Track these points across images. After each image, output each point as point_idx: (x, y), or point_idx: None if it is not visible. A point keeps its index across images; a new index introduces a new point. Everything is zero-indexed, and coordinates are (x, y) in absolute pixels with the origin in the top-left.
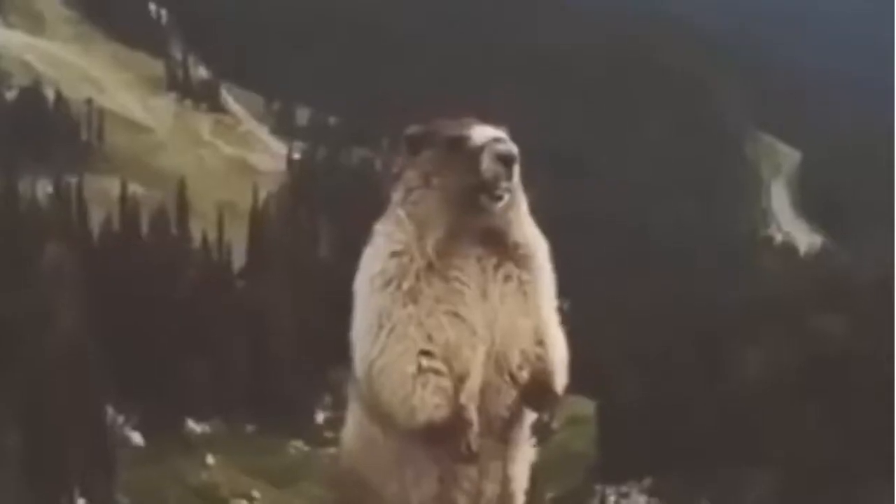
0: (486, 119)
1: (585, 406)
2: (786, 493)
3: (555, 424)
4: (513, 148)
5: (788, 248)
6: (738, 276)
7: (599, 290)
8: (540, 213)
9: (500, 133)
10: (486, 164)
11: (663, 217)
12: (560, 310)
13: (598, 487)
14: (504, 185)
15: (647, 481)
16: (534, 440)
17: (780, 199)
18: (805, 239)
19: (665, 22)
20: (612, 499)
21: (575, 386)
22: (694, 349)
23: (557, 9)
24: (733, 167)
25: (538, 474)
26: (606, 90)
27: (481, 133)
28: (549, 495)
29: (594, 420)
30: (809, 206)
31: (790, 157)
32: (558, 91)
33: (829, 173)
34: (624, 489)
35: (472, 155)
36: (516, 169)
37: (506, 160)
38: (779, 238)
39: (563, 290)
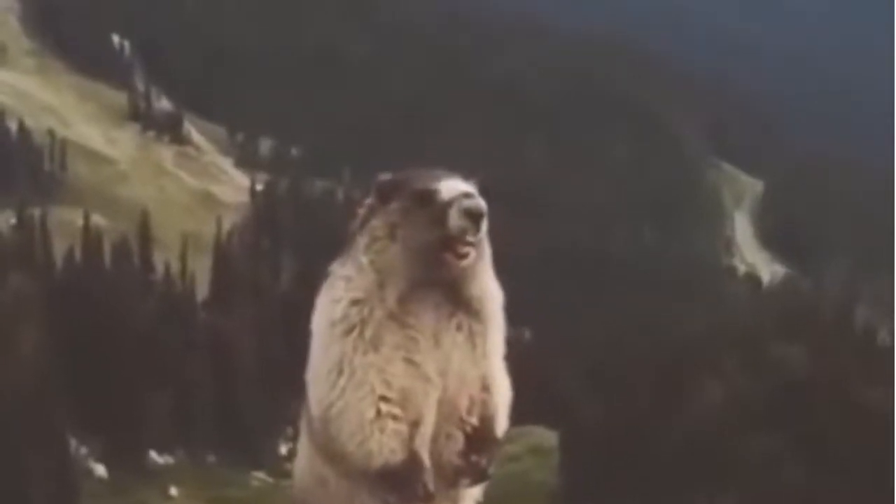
0: (457, 153)
1: (547, 436)
2: None
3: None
4: (481, 203)
5: (752, 279)
6: (701, 305)
7: (561, 320)
8: (501, 244)
9: (469, 188)
10: (454, 219)
11: (626, 247)
12: (520, 339)
13: None
14: (470, 240)
15: None
16: (467, 482)
17: (743, 229)
18: (768, 269)
19: (625, 52)
20: None
21: (536, 415)
22: (656, 378)
23: (518, 41)
24: (696, 197)
25: None
26: (567, 120)
27: (450, 187)
28: None
29: (556, 450)
30: (772, 236)
31: (752, 186)
32: (519, 121)
33: (792, 203)
34: None
35: (440, 209)
36: (484, 224)
37: (474, 216)
38: (742, 268)
39: (525, 320)
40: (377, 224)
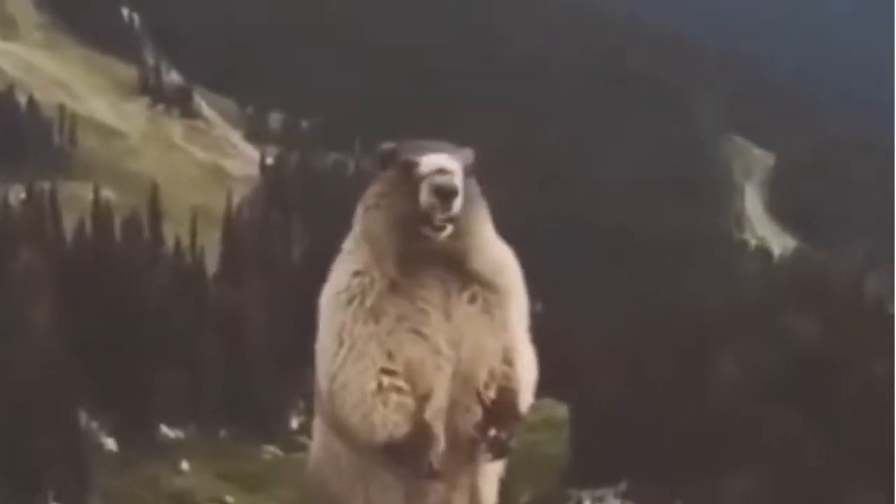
0: (462, 133)
1: (559, 409)
2: (763, 497)
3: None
4: (452, 181)
5: (763, 252)
6: (713, 279)
7: (574, 293)
8: (516, 217)
9: (446, 163)
10: (424, 195)
11: (638, 220)
12: (533, 312)
13: (572, 492)
14: (440, 217)
15: (623, 485)
16: (488, 456)
17: (753, 203)
18: (779, 242)
19: (643, 29)
20: (587, 503)
21: (549, 388)
22: (669, 352)
23: (530, 18)
24: (707, 170)
25: (511, 478)
26: (584, 95)
27: (429, 161)
28: (522, 500)
29: (568, 423)
30: (783, 209)
31: (763, 159)
32: (534, 99)
33: (802, 176)
34: (599, 493)
35: (416, 183)
36: (456, 202)
37: (443, 193)
38: (753, 242)
39: (538, 293)
40: (369, 193)
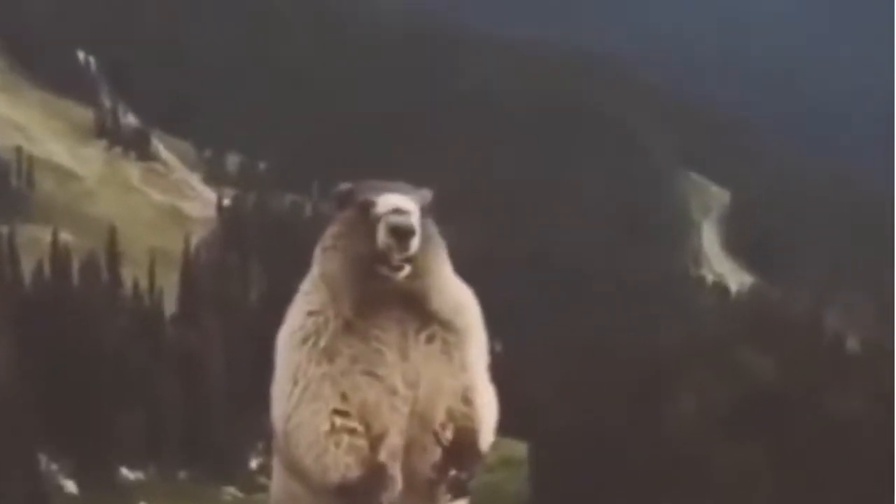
0: (428, 166)
1: (518, 448)
2: None
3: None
4: (408, 221)
5: (720, 288)
6: (670, 315)
7: (532, 331)
8: (472, 256)
9: (403, 203)
10: (381, 235)
11: (595, 257)
12: (492, 351)
13: None
14: (398, 257)
15: None
16: (447, 496)
17: (710, 240)
18: (736, 278)
19: (596, 66)
20: None
21: (507, 427)
22: (627, 389)
23: (489, 55)
24: (664, 207)
25: None
26: (538, 133)
27: (386, 201)
28: None
29: (527, 461)
30: (739, 245)
31: (720, 196)
32: (490, 135)
33: (759, 213)
34: None
35: (373, 224)
36: (413, 242)
37: (400, 233)
38: (710, 278)
39: (496, 332)
40: (327, 234)
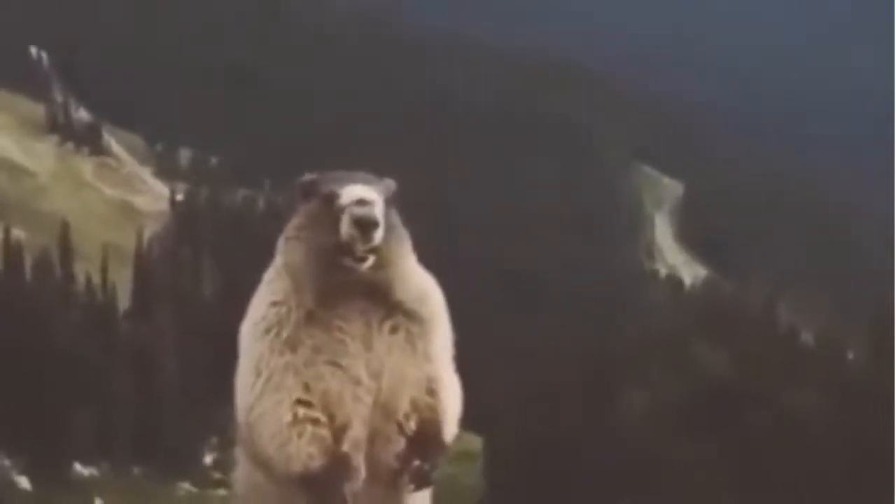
0: (382, 165)
1: (474, 441)
2: None
3: (434, 473)
4: (372, 213)
5: (674, 281)
6: (624, 309)
7: (486, 328)
8: (427, 255)
9: (367, 194)
10: (345, 227)
11: (548, 252)
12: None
13: None
14: (361, 248)
15: None
16: (410, 486)
17: (663, 232)
18: (690, 271)
19: (548, 64)
20: None
21: (463, 421)
22: (581, 383)
23: (442, 56)
24: (616, 201)
25: None
26: (490, 131)
27: (349, 192)
28: None
29: (482, 455)
30: (693, 238)
31: (672, 189)
32: (442, 135)
33: (712, 205)
34: None
35: (336, 215)
36: (377, 233)
37: (363, 225)
38: (664, 271)
39: (452, 329)
40: (290, 225)
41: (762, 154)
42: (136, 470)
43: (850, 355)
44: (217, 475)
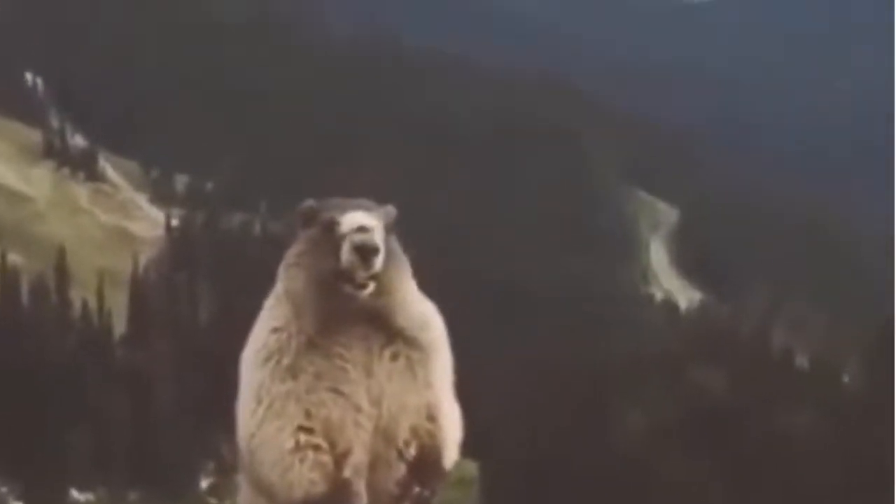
0: (378, 186)
1: (469, 467)
2: None
3: (435, 501)
4: (372, 240)
5: (669, 305)
6: (620, 333)
7: (481, 349)
8: (420, 274)
9: (367, 221)
10: (345, 254)
11: (545, 275)
12: None
13: None
14: (362, 275)
15: None
16: None
17: (659, 257)
18: (685, 296)
19: (546, 86)
20: None
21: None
22: (576, 406)
23: (438, 75)
24: (612, 225)
25: None
26: (487, 152)
27: (350, 220)
28: None
29: (478, 480)
30: (688, 263)
31: (668, 214)
32: (439, 154)
33: (707, 230)
34: None
35: (337, 242)
36: (377, 260)
37: (363, 252)
38: (659, 295)
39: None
40: (290, 252)
41: (757, 178)
42: (132, 495)
43: (845, 378)
44: (213, 500)
